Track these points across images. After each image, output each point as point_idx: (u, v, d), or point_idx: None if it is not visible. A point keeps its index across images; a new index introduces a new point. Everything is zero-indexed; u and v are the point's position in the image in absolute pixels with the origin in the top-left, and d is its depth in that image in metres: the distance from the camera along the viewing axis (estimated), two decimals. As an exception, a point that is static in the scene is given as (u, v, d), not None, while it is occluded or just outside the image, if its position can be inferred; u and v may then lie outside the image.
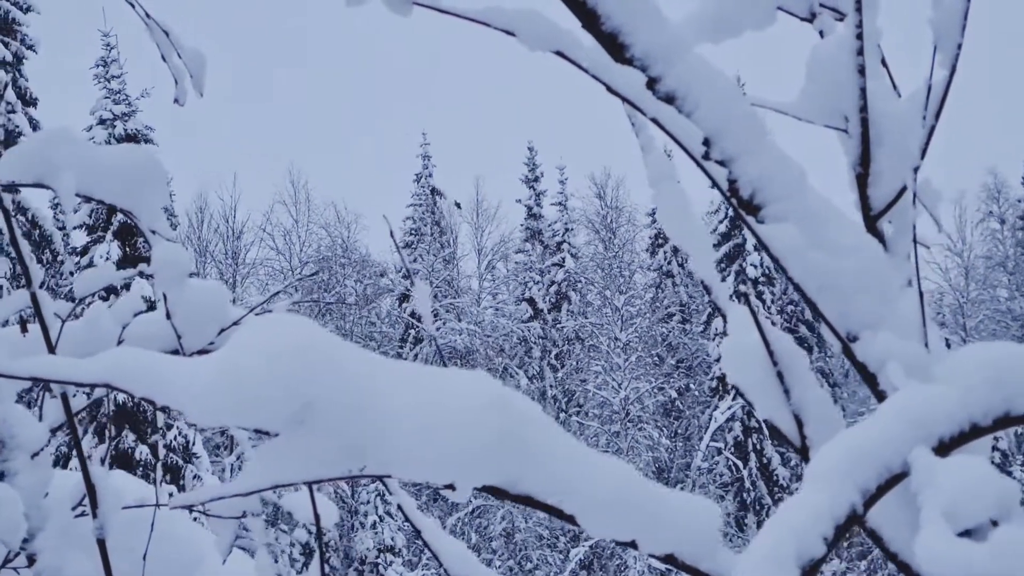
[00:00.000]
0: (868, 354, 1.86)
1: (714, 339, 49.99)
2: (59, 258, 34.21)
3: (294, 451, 1.63)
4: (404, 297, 58.02)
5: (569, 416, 52.17)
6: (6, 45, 33.80)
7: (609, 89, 1.75)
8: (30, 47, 34.54)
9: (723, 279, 49.22)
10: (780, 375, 1.97)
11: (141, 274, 2.48)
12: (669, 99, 1.87)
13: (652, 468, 50.78)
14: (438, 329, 55.25)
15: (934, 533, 1.42)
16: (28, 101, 34.54)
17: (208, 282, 2.67)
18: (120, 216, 34.47)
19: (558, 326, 55.62)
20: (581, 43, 1.74)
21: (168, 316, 2.54)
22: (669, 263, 57.62)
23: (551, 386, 53.76)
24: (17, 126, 33.18)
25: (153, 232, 2.53)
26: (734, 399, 46.55)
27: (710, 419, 49.11)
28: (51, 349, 2.10)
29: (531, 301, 56.94)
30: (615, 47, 1.87)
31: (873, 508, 1.67)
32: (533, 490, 1.71)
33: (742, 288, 48.12)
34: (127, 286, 33.61)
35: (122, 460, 31.40)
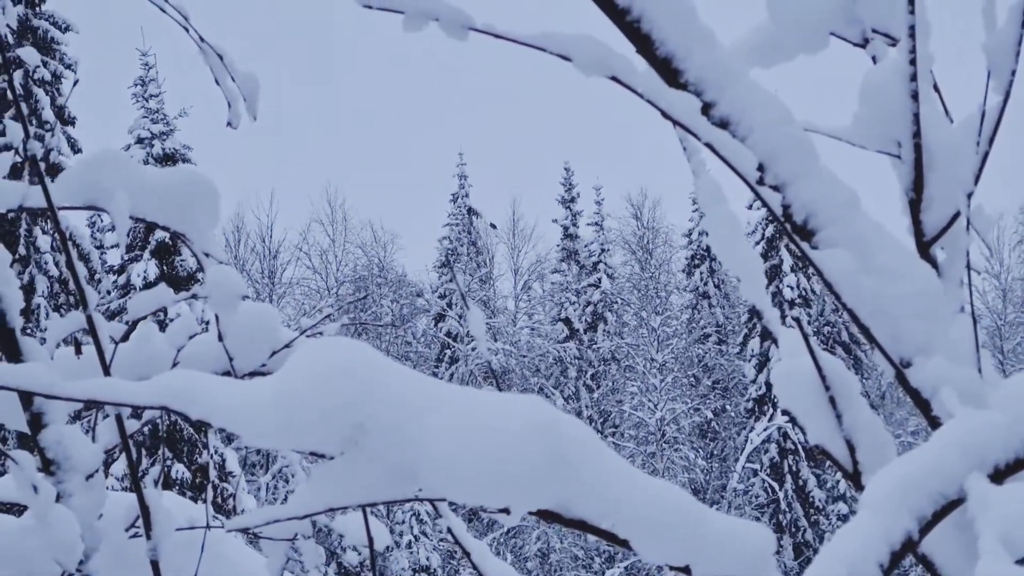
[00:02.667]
0: (921, 380, 1.85)
1: (750, 360, 49.81)
2: (96, 276, 34.36)
3: (347, 474, 1.64)
4: (440, 317, 58.05)
5: (605, 437, 52.05)
6: (45, 64, 33.98)
7: (664, 114, 1.75)
8: (68, 66, 34.71)
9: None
10: (832, 400, 1.96)
11: (195, 296, 2.50)
12: (723, 124, 1.88)
13: (688, 489, 50.59)
14: (473, 349, 55.24)
15: (994, 561, 1.42)
16: (67, 120, 34.72)
17: (259, 304, 2.68)
18: (158, 235, 34.69)
19: (594, 346, 55.54)
20: (635, 68, 1.75)
21: (220, 338, 2.56)
22: (705, 284, 57.46)
23: (587, 407, 53.67)
24: (55, 146, 33.35)
25: (206, 255, 2.54)
26: (770, 420, 46.37)
27: (746, 440, 48.90)
28: (106, 371, 2.11)
29: (567, 321, 56.87)
30: (669, 72, 1.87)
31: (926, 536, 1.67)
32: (586, 514, 1.71)
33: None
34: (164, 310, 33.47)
35: (163, 481, 31.47)
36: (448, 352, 56.51)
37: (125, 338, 2.53)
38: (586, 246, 59.18)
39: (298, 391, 1.61)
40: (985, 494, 1.54)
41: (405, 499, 1.66)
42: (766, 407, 47.23)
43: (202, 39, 2.91)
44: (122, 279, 35.22)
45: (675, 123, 1.76)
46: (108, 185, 2.39)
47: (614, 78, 1.74)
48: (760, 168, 1.87)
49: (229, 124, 2.98)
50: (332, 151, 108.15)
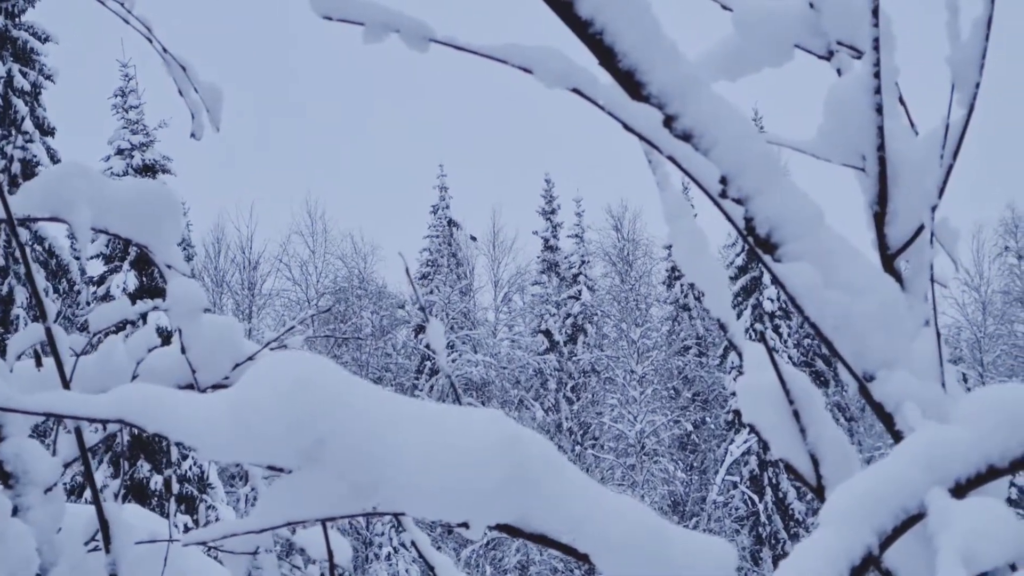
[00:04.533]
0: (884, 394, 1.85)
1: (730, 372, 49.85)
2: (76, 288, 34.27)
3: (306, 488, 1.62)
4: (420, 329, 57.98)
5: (584, 449, 52.05)
6: (24, 75, 33.92)
7: (626, 127, 1.75)
8: (48, 77, 34.65)
9: (739, 313, 49.15)
10: (796, 414, 1.96)
11: (156, 308, 2.48)
12: (686, 137, 1.87)
13: (668, 502, 50.64)
14: (454, 361, 55.23)
15: (951, 576, 1.41)
16: (46, 131, 34.65)
17: (222, 317, 2.66)
18: (137, 246, 34.51)
19: (574, 358, 55.53)
20: (598, 80, 1.74)
21: (183, 351, 2.54)
22: (686, 296, 57.48)
23: (567, 418, 53.65)
24: (35, 155, 33.30)
25: (169, 267, 2.53)
26: (750, 433, 46.40)
27: (726, 453, 48.92)
28: (65, 384, 2.10)
29: (547, 333, 56.88)
30: (632, 85, 1.87)
31: (890, 550, 1.67)
32: (547, 528, 1.70)
33: (757, 326, 48.04)
34: (144, 317, 33.51)
35: (137, 490, 31.39)
36: (428, 364, 56.47)
37: (86, 351, 2.52)
38: (566, 258, 59.23)
39: (256, 404, 1.60)
40: (945, 509, 1.53)
41: (364, 513, 1.65)
42: (745, 425, 47.25)
43: (165, 50, 2.90)
44: (102, 290, 35.13)
45: (638, 136, 1.76)
46: (71, 197, 2.38)
47: (576, 90, 1.73)
48: (723, 181, 1.86)
49: (193, 135, 2.97)
50: (312, 162, 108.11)
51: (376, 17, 1.70)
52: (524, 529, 1.71)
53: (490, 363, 56.46)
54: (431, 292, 58.70)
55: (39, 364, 2.51)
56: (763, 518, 47.90)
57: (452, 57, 1.82)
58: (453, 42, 1.72)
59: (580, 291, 57.58)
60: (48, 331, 2.03)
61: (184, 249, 58.32)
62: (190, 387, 2.57)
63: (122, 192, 2.53)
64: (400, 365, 59.42)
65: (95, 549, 2.47)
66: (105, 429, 2.51)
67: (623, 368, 52.55)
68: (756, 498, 48.06)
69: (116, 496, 2.40)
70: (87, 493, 29.61)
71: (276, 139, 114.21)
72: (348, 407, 1.64)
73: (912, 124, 2.11)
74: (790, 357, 46.94)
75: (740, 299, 49.29)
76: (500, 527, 1.70)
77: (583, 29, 1.85)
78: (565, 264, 59.11)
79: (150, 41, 2.92)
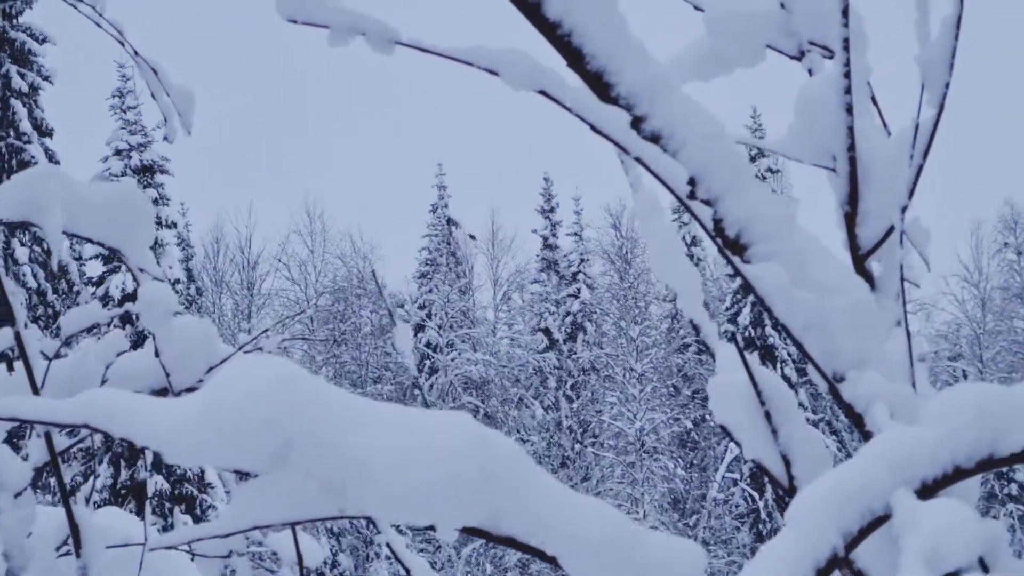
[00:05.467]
0: (854, 394, 1.85)
1: (728, 370, 49.80)
2: (75, 288, 34.29)
3: (274, 491, 1.62)
4: (419, 328, 58.01)
5: (584, 447, 52.08)
6: (22, 76, 33.94)
7: (594, 129, 1.75)
8: (46, 78, 34.69)
9: (739, 311, 49.00)
10: (768, 414, 1.96)
11: (128, 312, 2.48)
12: (654, 138, 1.87)
13: (668, 499, 50.66)
14: (453, 359, 55.21)
15: (912, 578, 1.41)
16: (44, 132, 34.67)
17: (197, 320, 2.66)
18: (136, 246, 34.49)
19: (573, 356, 55.54)
20: (565, 82, 1.74)
21: (157, 354, 2.54)
22: (681, 293, 57.26)
23: (566, 416, 53.66)
24: (33, 156, 33.31)
25: (142, 270, 2.53)
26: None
27: (726, 450, 48.91)
28: (35, 388, 2.10)
29: (546, 331, 56.90)
30: (601, 86, 1.87)
31: (863, 550, 1.67)
32: (515, 531, 1.70)
33: (756, 328, 48.01)
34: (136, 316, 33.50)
35: (137, 491, 31.42)
36: (427, 362, 56.49)
37: (57, 355, 2.51)
38: (565, 256, 59.26)
39: (222, 407, 1.60)
40: (910, 510, 1.53)
41: (332, 517, 1.65)
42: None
43: (136, 53, 2.90)
44: (101, 291, 35.14)
45: (605, 137, 1.75)
46: (43, 201, 2.38)
47: (543, 92, 1.73)
48: (691, 182, 1.86)
49: (166, 138, 2.97)
50: (311, 161, 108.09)
51: (341, 20, 1.70)
52: (492, 532, 1.70)
53: (490, 362, 56.46)
54: (430, 291, 58.70)
55: (10, 369, 2.50)
56: (763, 515, 47.91)
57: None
58: (419, 44, 1.72)
59: (579, 289, 57.62)
60: (17, 335, 2.03)
61: (183, 249, 58.49)
62: (165, 390, 2.58)
63: (94, 196, 2.53)
64: (399, 364, 59.40)
65: (67, 554, 2.47)
66: (78, 434, 2.51)
67: (622, 366, 52.53)
68: (756, 495, 48.07)
69: (87, 500, 2.40)
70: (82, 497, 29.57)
71: (275, 138, 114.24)
72: (316, 410, 1.64)
73: (884, 124, 2.11)
74: (790, 354, 46.93)
75: (739, 297, 49.29)
76: (468, 530, 1.70)
77: (551, 31, 1.85)
78: (564, 262, 59.14)
79: (122, 44, 2.92)
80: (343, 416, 1.65)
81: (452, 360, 55.46)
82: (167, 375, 2.55)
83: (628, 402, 50.51)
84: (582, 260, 58.68)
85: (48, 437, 2.12)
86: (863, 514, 1.57)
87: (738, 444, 2.01)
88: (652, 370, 53.05)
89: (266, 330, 2.77)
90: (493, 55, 1.71)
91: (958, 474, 1.61)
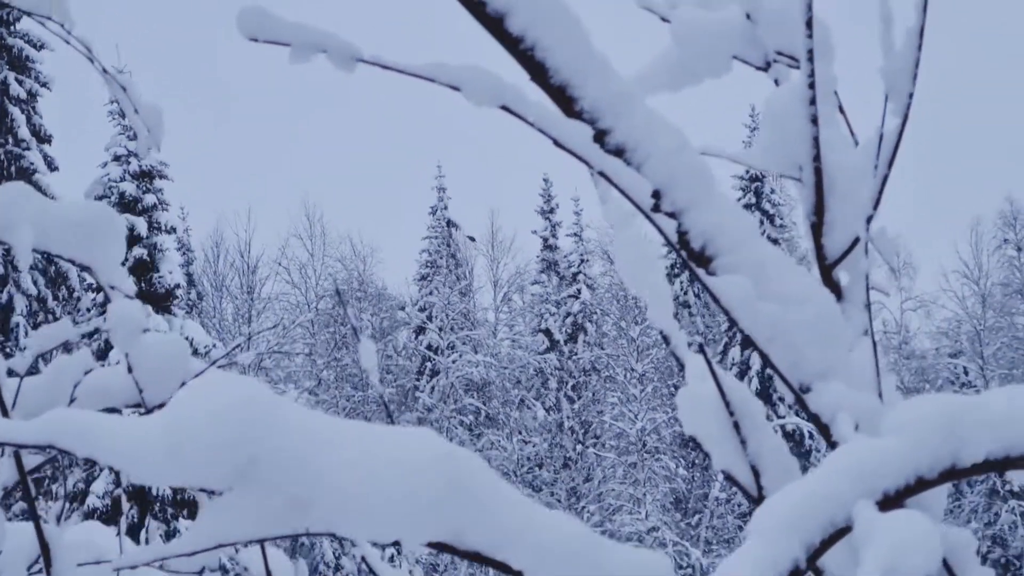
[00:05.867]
0: (820, 405, 1.86)
1: (731, 368, 49.87)
2: (75, 295, 34.34)
3: (239, 509, 1.63)
4: (420, 330, 58.03)
5: (586, 447, 52.08)
6: (20, 83, 33.99)
7: (556, 143, 1.75)
8: (44, 84, 34.75)
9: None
10: (736, 425, 1.96)
11: (97, 329, 2.49)
12: (618, 151, 1.87)
13: (670, 499, 50.66)
14: (454, 362, 55.21)
15: (866, 592, 1.42)
16: (43, 138, 34.73)
17: (169, 336, 2.67)
18: (135, 252, 34.61)
19: (574, 357, 55.54)
20: (526, 97, 1.75)
21: (130, 370, 2.55)
22: (685, 293, 57.43)
23: (568, 417, 53.65)
24: (32, 163, 33.36)
25: (112, 287, 2.54)
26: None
27: (727, 449, 48.76)
28: (3, 408, 2.10)
29: (547, 332, 56.90)
30: (564, 100, 1.87)
31: (831, 561, 1.68)
32: (480, 545, 1.71)
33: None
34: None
35: (139, 496, 31.44)
36: (429, 365, 56.52)
37: (31, 372, 2.52)
38: (565, 257, 59.29)
39: (184, 425, 1.60)
40: (870, 521, 1.54)
41: (298, 534, 1.65)
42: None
43: (105, 71, 2.91)
44: (100, 297, 35.14)
45: (568, 151, 1.76)
46: (12, 218, 2.39)
47: (505, 107, 1.74)
48: (656, 195, 1.87)
49: (135, 155, 2.98)
50: (310, 164, 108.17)
51: (302, 38, 1.71)
52: (458, 546, 1.71)
53: (491, 363, 56.47)
54: (431, 293, 58.71)
55: (-18, 386, 2.51)
56: (766, 514, 47.79)
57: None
58: (380, 61, 1.73)
59: (580, 290, 57.63)
60: (-18, 355, 2.04)
61: (183, 254, 58.46)
62: (138, 406, 2.58)
63: (64, 213, 2.54)
64: (401, 367, 59.48)
65: (39, 572, 2.47)
66: (48, 452, 2.51)
67: (623, 366, 52.54)
68: (758, 494, 47.94)
69: (59, 518, 2.40)
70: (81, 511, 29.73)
71: (274, 141, 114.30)
72: (279, 426, 1.64)
73: (853, 133, 2.11)
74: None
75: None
76: (434, 544, 1.71)
77: (514, 45, 1.86)
78: (564, 263, 59.17)
79: (91, 61, 2.93)
80: (308, 433, 1.66)
81: (453, 362, 55.46)
82: (140, 391, 2.55)
83: (629, 402, 50.52)
84: (582, 260, 58.69)
85: (18, 457, 2.13)
86: (824, 526, 1.58)
87: (707, 455, 2.01)
88: (653, 370, 53.04)
89: (238, 344, 2.78)
90: (454, 71, 1.72)
91: (921, 484, 1.62)
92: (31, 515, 2.00)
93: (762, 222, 51.16)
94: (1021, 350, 58.55)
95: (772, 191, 54.39)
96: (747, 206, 51.44)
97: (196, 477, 1.63)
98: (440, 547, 1.71)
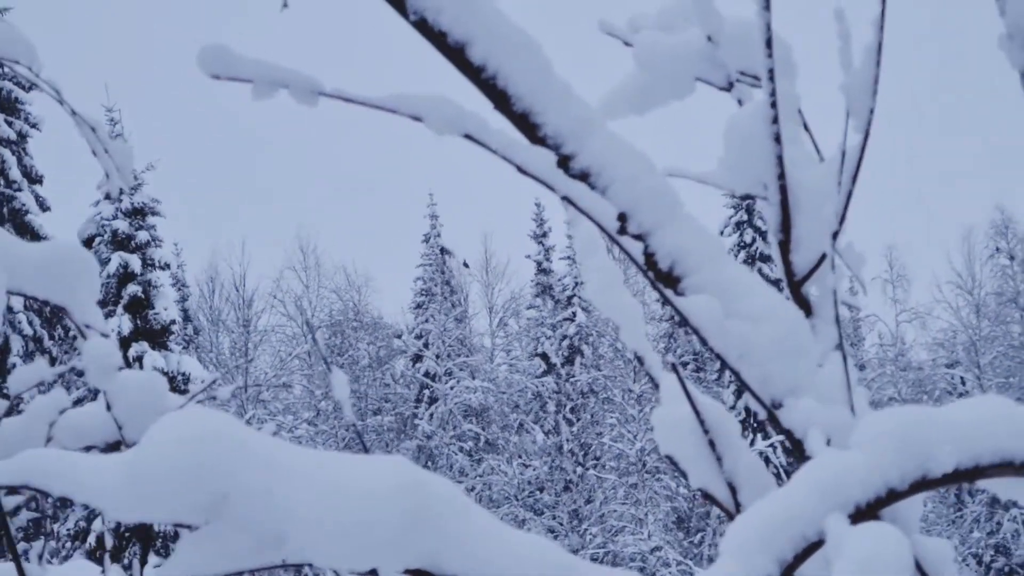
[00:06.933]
0: (792, 421, 1.86)
1: (728, 387, 49.84)
2: (71, 334, 34.29)
3: (212, 543, 1.64)
4: (417, 358, 58.00)
5: (587, 469, 52.02)
6: (10, 124, 34.04)
7: (520, 169, 1.76)
8: (34, 125, 34.80)
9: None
10: (712, 443, 1.97)
11: (73, 369, 2.51)
12: (583, 176, 1.89)
13: (672, 518, 50.58)
14: (452, 388, 55.18)
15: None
16: (34, 179, 34.76)
17: (145, 373, 2.68)
18: (130, 289, 34.61)
19: (572, 380, 55.50)
20: (488, 125, 1.76)
21: (108, 408, 2.56)
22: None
23: (567, 440, 53.59)
24: (24, 204, 33.38)
25: (87, 326, 2.55)
26: (752, 445, 46.33)
27: (728, 467, 48.75)
28: (-22, 451, 2.11)
29: (544, 356, 56.88)
30: (527, 127, 1.89)
31: (808, 574, 1.68)
32: (456, 571, 1.72)
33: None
34: (139, 359, 33.82)
35: (143, 533, 31.39)
36: (427, 392, 56.48)
37: (10, 412, 2.53)
38: (560, 280, 59.27)
39: (155, 462, 1.61)
40: (841, 535, 1.55)
41: (273, 566, 1.66)
42: (746, 433, 47.20)
43: (74, 112, 2.93)
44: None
45: (532, 178, 1.77)
46: (-20, 259, 2.40)
47: (468, 136, 1.75)
48: (622, 218, 1.88)
49: (107, 196, 3.00)
50: (302, 196, 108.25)
51: (264, 74, 1.72)
52: (435, 572, 1.72)
53: (488, 388, 56.44)
54: (427, 321, 58.70)
55: (-41, 430, 2.52)
56: (768, 531, 47.76)
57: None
58: (342, 94, 1.74)
59: (575, 312, 57.62)
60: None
61: (179, 289, 58.47)
62: (118, 443, 2.59)
63: (36, 253, 2.55)
64: (399, 394, 59.43)
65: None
66: (24, 493, 2.52)
67: (620, 387, 52.51)
68: (760, 511, 47.89)
69: (40, 557, 2.41)
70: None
71: (267, 174, 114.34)
72: (249, 460, 1.65)
73: (818, 150, 2.13)
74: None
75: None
76: (411, 572, 1.71)
77: (476, 74, 1.88)
78: (559, 286, 59.16)
79: (60, 103, 2.95)
80: (278, 464, 1.66)
81: (451, 388, 55.44)
82: (119, 428, 2.57)
83: (628, 423, 50.46)
84: (576, 283, 58.65)
85: (-7, 496, 2.14)
86: (797, 541, 1.59)
87: (684, 475, 2.02)
88: (650, 390, 52.95)
89: (215, 380, 2.79)
90: (415, 102, 1.73)
91: (892, 496, 1.63)
92: (12, 554, 2.01)
93: (754, 239, 51.17)
94: (1017, 359, 58.54)
95: (764, 208, 54.25)
96: (739, 223, 51.44)
97: (160, 511, 1.64)
98: (419, 574, 1.72)
